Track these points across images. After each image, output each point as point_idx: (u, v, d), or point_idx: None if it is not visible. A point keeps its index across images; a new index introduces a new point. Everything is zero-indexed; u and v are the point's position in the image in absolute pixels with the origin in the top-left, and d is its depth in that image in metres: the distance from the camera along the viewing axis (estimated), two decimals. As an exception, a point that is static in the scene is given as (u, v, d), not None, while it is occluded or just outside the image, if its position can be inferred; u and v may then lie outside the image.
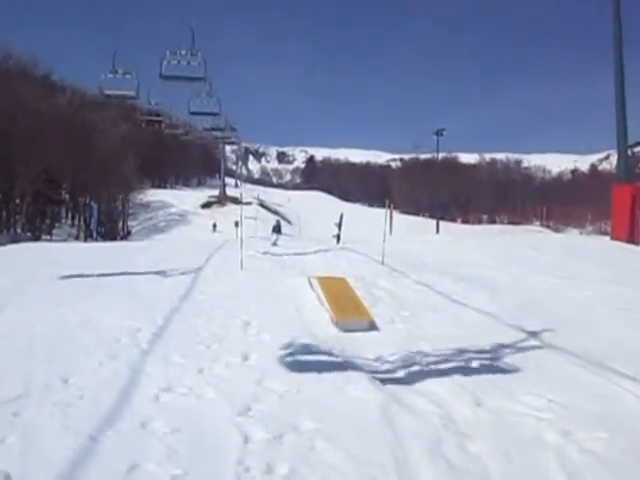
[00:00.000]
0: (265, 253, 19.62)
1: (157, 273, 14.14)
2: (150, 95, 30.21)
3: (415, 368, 6.67)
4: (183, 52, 20.98)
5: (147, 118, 38.01)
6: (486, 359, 7.01)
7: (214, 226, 65.45)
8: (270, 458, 4.19)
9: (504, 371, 6.52)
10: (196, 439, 4.50)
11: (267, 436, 4.58)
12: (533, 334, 8.27)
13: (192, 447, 4.35)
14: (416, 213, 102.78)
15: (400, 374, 6.44)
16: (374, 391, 5.70)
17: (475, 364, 6.79)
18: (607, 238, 24.74)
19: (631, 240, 21.94)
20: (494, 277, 14.15)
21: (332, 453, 4.31)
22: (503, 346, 7.65)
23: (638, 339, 8.08)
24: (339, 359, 6.96)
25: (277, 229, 25.81)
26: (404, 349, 7.41)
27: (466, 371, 6.47)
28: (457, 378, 6.19)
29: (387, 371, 6.57)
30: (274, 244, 23.81)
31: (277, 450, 4.35)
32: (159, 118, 38.66)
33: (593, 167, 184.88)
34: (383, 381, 6.10)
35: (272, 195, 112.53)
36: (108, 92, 23.84)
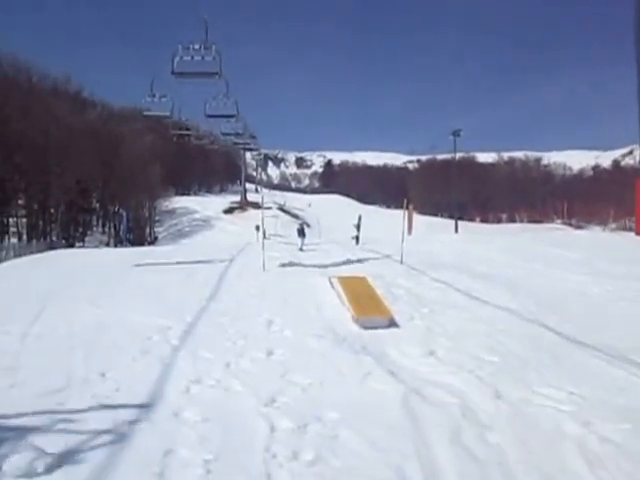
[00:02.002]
0: (286, 258, 19.16)
1: (185, 275, 14.33)
2: (181, 112, 30.39)
3: (434, 362, 6.75)
4: (196, 47, 19.50)
5: (178, 132, 39.68)
6: (505, 354, 7.06)
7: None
8: (295, 445, 4.31)
9: (524, 365, 6.54)
10: (225, 428, 4.63)
11: (292, 425, 4.70)
12: (553, 329, 8.29)
13: (222, 435, 4.48)
14: (435, 214, 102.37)
15: (420, 368, 6.51)
16: (394, 384, 5.81)
17: (494, 358, 6.84)
18: (632, 234, 24.57)
19: (655, 236, 21.80)
20: (514, 274, 14.16)
21: (355, 441, 4.41)
22: (522, 341, 7.69)
23: (658, 333, 8.07)
24: (360, 354, 7.06)
25: (301, 233, 24.47)
26: (423, 344, 7.48)
27: (485, 365, 6.53)
28: (477, 371, 6.26)
29: (407, 365, 6.65)
30: (300, 249, 22.48)
31: (302, 438, 4.46)
32: (189, 132, 40.50)
33: (616, 163, 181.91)
34: (403, 375, 6.20)
35: (291, 199, 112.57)
36: (147, 114, 25.90)
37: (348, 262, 17.03)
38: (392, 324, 8.84)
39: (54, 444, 4.16)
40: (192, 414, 4.94)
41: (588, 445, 4.31)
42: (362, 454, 4.18)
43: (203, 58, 19.55)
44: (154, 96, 24.11)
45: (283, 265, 16.13)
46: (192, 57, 19.55)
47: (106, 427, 4.56)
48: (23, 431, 4.46)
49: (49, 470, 3.81)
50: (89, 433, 4.47)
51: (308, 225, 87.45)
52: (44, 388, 5.52)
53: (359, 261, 17.42)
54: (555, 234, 27.46)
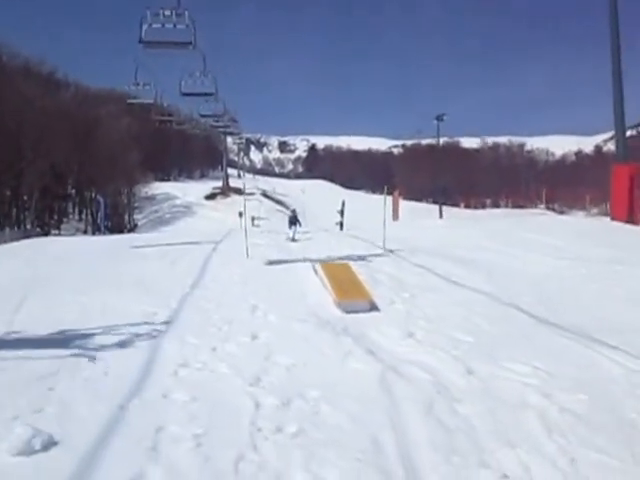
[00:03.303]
0: (273, 249, 18.74)
1: (169, 263, 14.63)
2: (163, 97, 30.35)
3: (412, 343, 7.17)
4: (167, 13, 18.07)
5: (160, 118, 39.82)
6: (479, 334, 7.51)
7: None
8: (279, 420, 4.69)
9: (496, 344, 7.00)
10: (213, 406, 5.00)
11: (276, 402, 5.09)
12: (526, 311, 8.77)
13: (210, 412, 4.85)
14: (419, 199, 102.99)
15: (398, 349, 6.93)
16: (373, 363, 6.24)
17: (469, 338, 7.29)
18: (608, 219, 25.15)
19: (630, 220, 22.35)
20: (494, 259, 14.60)
21: (335, 415, 4.81)
22: (496, 322, 8.16)
23: (625, 313, 8.61)
24: (341, 336, 7.47)
25: (294, 221, 21.48)
26: (403, 327, 7.89)
27: (460, 344, 6.98)
28: (451, 350, 6.70)
29: (386, 346, 7.06)
30: (293, 239, 20.19)
31: (286, 414, 4.85)
32: (171, 118, 40.75)
33: (597, 148, 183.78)
34: (382, 355, 6.61)
35: (275, 185, 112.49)
36: (131, 101, 26.37)
37: (332, 248, 17.39)
38: (373, 308, 9.25)
39: (49, 424, 4.49)
40: (181, 395, 5.30)
41: (548, 414, 4.75)
42: (341, 426, 4.58)
43: (175, 26, 18.16)
44: (138, 84, 24.40)
45: (270, 263, 16.43)
46: (163, 24, 18.14)
47: (98, 407, 4.91)
48: (15, 410, 4.79)
49: (46, 448, 4.14)
50: (81, 412, 4.82)
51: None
52: (31, 375, 5.79)
53: (342, 247, 17.78)
54: (536, 220, 28.00)
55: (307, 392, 5.34)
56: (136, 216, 73.90)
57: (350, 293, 9.77)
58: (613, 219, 23.28)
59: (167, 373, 5.93)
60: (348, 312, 9.00)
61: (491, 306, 9.32)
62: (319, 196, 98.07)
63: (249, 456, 4.05)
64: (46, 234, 47.90)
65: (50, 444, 4.14)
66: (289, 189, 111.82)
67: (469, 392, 5.38)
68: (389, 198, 39.52)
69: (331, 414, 4.84)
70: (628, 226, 21.01)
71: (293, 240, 20.11)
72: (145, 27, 18.12)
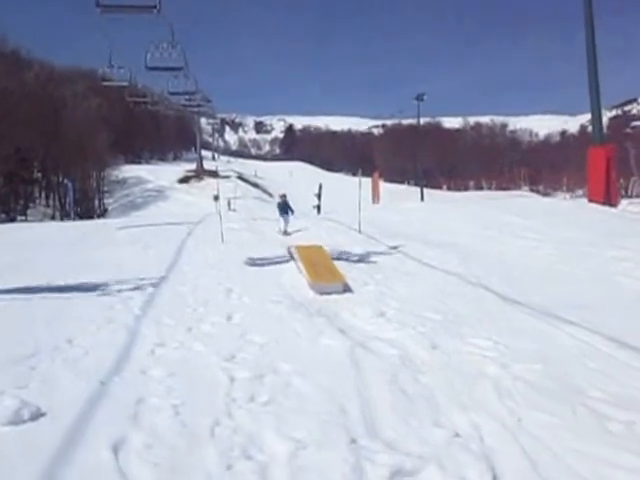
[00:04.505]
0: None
1: (142, 247, 15.08)
2: (137, 78, 30.62)
3: (382, 321, 7.73)
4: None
5: (134, 99, 40.05)
6: (447, 313, 8.10)
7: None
8: (253, 391, 5.20)
9: (461, 321, 7.59)
10: (189, 380, 5.50)
11: (250, 376, 5.60)
12: (494, 291, 9.41)
13: (187, 386, 5.35)
14: (400, 181, 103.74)
15: (369, 327, 7.48)
16: (343, 340, 6.78)
17: (437, 316, 7.87)
18: (585, 200, 25.89)
19: (607, 202, 23.07)
20: (470, 242, 15.22)
21: (305, 386, 5.34)
22: (464, 302, 8.77)
23: (587, 292, 9.28)
24: (314, 316, 8.02)
25: (285, 208, 18.88)
26: (374, 307, 8.45)
27: (427, 322, 7.55)
28: (419, 328, 7.28)
29: (357, 325, 7.62)
30: (285, 232, 18.10)
31: (259, 386, 5.36)
32: (145, 99, 40.96)
33: (583, 128, 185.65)
34: (353, 333, 7.16)
35: (251, 167, 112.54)
36: (106, 83, 27.19)
37: (308, 232, 17.91)
38: (346, 290, 9.81)
39: (35, 398, 4.95)
40: (159, 371, 5.77)
41: (502, 383, 5.32)
42: (310, 396, 5.10)
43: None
44: (112, 66, 25.08)
45: (242, 236, 16.88)
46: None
47: (78, 385, 5.37)
48: (3, 386, 5.24)
49: (34, 418, 4.59)
50: (64, 388, 5.29)
51: (270, 194, 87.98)
52: (15, 355, 6.21)
53: (319, 231, 18.31)
54: (515, 202, 28.67)
55: (280, 367, 5.86)
56: (106, 201, 73.54)
57: (324, 275, 10.30)
58: (590, 201, 23.97)
59: (145, 352, 6.40)
60: (322, 294, 9.54)
61: (461, 287, 9.93)
62: (297, 179, 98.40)
63: (224, 422, 4.55)
64: (12, 220, 47.85)
65: (38, 415, 4.59)
66: (266, 171, 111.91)
67: (432, 364, 5.94)
68: (369, 180, 40.23)
69: (301, 385, 5.36)
70: (604, 208, 21.72)
71: (285, 233, 17.90)
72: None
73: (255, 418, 4.63)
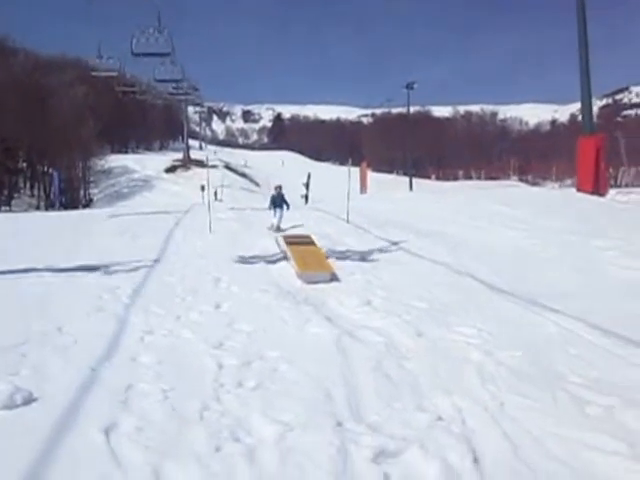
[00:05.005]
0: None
1: (130, 237, 15.18)
2: (125, 67, 30.60)
3: (369, 310, 7.89)
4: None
5: (123, 89, 40.13)
6: (433, 301, 8.28)
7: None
8: (241, 377, 5.35)
9: (447, 310, 7.78)
10: (178, 367, 5.64)
11: (238, 363, 5.74)
12: (480, 280, 9.59)
13: (176, 372, 5.48)
14: (389, 171, 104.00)
15: (355, 316, 7.65)
16: (330, 328, 6.95)
17: (423, 305, 8.05)
18: (573, 190, 26.12)
19: (595, 191, 23.30)
20: (458, 232, 15.39)
21: (292, 372, 5.49)
22: (450, 290, 8.95)
23: (571, 281, 9.49)
24: (302, 305, 8.18)
25: (279, 202, 17.25)
26: (361, 296, 8.61)
27: (413, 311, 7.73)
28: (405, 316, 7.45)
29: (344, 313, 7.78)
30: (278, 229, 16.43)
31: (246, 372, 5.51)
32: (134, 88, 40.97)
33: (573, 117, 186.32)
34: (340, 321, 7.32)
35: (238, 157, 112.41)
36: (95, 74, 27.11)
37: (296, 222, 18.03)
38: (334, 279, 9.96)
39: (27, 384, 5.08)
40: (148, 358, 5.91)
41: (485, 368, 5.49)
42: (297, 381, 5.26)
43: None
44: (101, 57, 25.33)
45: (230, 226, 17.00)
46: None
47: (69, 371, 5.50)
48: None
49: (27, 402, 4.73)
50: (55, 374, 5.42)
51: (257, 184, 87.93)
52: (6, 342, 6.32)
53: (307, 220, 18.43)
54: (504, 192, 28.94)
55: (267, 354, 6.01)
56: (92, 191, 73.20)
57: (311, 264, 10.45)
58: (579, 190, 24.19)
59: (134, 340, 6.53)
60: (309, 283, 9.69)
61: (448, 276, 10.11)
62: (285, 168, 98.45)
63: (213, 406, 4.69)
64: (-5, 210, 47.64)
65: (30, 400, 4.73)
66: (254, 161, 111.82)
67: (417, 351, 6.10)
68: (357, 170, 40.38)
69: (288, 371, 5.51)
70: (592, 197, 21.95)
71: (278, 230, 16.26)
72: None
73: (243, 402, 4.78)
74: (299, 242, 12.42)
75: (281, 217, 16.93)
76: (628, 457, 3.85)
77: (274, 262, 11.54)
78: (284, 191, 17.84)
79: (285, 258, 11.69)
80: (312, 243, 12.41)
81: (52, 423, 4.31)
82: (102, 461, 3.79)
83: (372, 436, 4.15)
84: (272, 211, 17.10)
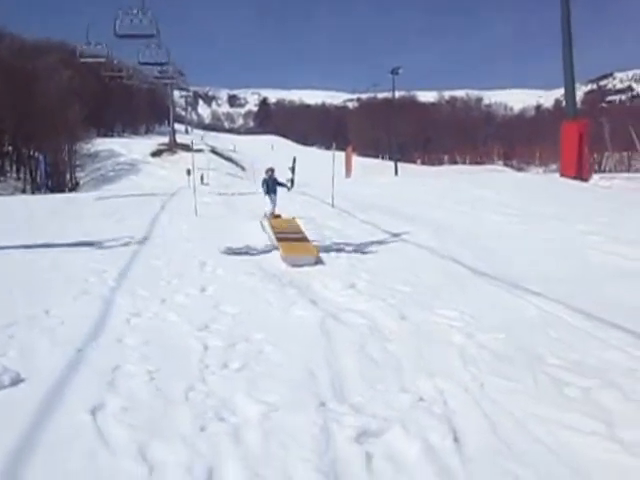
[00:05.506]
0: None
1: (116, 220, 15.14)
2: (112, 52, 30.36)
3: (353, 293, 7.93)
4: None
5: (110, 74, 40.04)
6: (417, 285, 8.32)
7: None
8: (226, 359, 5.38)
9: (431, 293, 7.82)
10: (164, 348, 5.66)
11: (223, 344, 5.77)
12: (464, 264, 9.65)
13: (161, 353, 5.50)
14: (375, 155, 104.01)
15: (340, 299, 7.67)
16: (315, 310, 6.97)
17: (407, 288, 8.09)
18: (557, 175, 26.25)
19: (578, 176, 23.45)
20: (442, 216, 15.46)
21: (276, 354, 5.52)
22: (434, 274, 9.00)
23: (553, 264, 9.58)
24: (286, 287, 8.20)
25: (273, 186, 15.85)
26: (345, 279, 8.64)
27: (397, 294, 7.76)
28: (389, 299, 7.48)
29: (328, 296, 7.81)
30: (272, 214, 15.03)
31: (231, 353, 5.53)
32: (121, 74, 40.85)
33: (558, 103, 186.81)
34: (324, 304, 7.35)
35: (223, 141, 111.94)
36: (84, 60, 27.10)
37: (281, 206, 18.02)
38: (318, 262, 9.99)
39: (15, 365, 5.09)
40: (134, 340, 5.92)
41: (467, 350, 5.54)
42: (282, 363, 5.29)
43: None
44: (90, 43, 25.36)
45: (216, 209, 16.98)
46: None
47: (56, 353, 5.50)
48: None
49: (15, 383, 4.74)
50: (43, 355, 5.43)
51: (242, 168, 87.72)
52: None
53: (292, 204, 18.44)
54: (488, 177, 29.04)
55: (252, 335, 6.03)
56: (78, 174, 72.81)
57: (296, 248, 10.47)
58: (562, 175, 24.34)
59: (120, 321, 6.54)
60: (294, 266, 9.71)
61: (432, 260, 10.16)
62: (270, 152, 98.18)
63: (198, 387, 4.72)
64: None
65: (18, 380, 4.74)
66: (240, 145, 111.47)
67: (400, 334, 6.14)
68: (342, 155, 40.33)
69: (273, 352, 5.55)
70: (575, 182, 22.09)
71: (272, 214, 14.95)
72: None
73: (228, 383, 4.81)
74: (284, 225, 12.45)
75: (275, 203, 15.57)
76: (606, 437, 3.91)
77: (259, 245, 11.54)
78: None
79: (270, 242, 11.70)
80: (297, 227, 12.43)
81: (39, 403, 4.33)
82: (89, 440, 3.82)
83: (355, 416, 4.19)
84: (267, 197, 15.61)
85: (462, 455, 3.76)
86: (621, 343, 5.65)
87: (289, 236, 11.22)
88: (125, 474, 3.47)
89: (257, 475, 3.47)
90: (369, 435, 3.96)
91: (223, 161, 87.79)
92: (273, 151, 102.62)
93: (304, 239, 11.19)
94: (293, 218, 13.39)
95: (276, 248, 10.89)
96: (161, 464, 3.57)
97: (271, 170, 16.23)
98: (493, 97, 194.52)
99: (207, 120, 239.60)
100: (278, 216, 14.06)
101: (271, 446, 3.79)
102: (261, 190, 15.90)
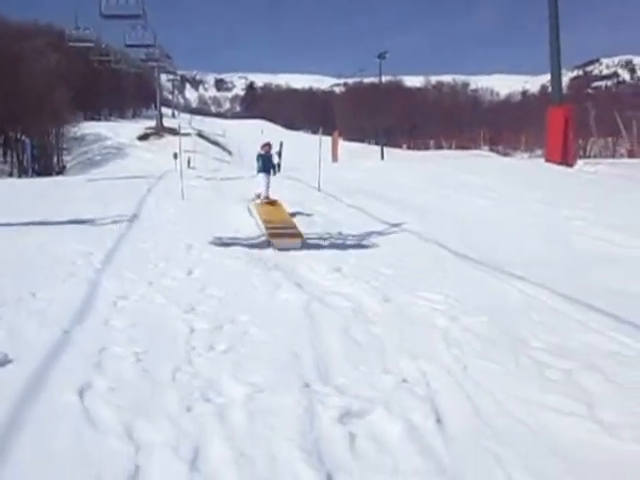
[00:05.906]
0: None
1: (103, 204, 15.07)
2: (101, 37, 30.14)
3: (338, 276, 7.96)
4: None
5: (99, 58, 39.79)
6: (401, 268, 8.38)
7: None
8: (212, 340, 5.40)
9: (415, 276, 7.87)
10: (151, 330, 5.67)
11: (209, 327, 5.79)
12: (448, 247, 9.72)
13: (148, 335, 5.52)
14: (361, 140, 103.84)
15: (325, 282, 7.71)
16: (300, 293, 7.01)
17: (391, 272, 8.14)
18: (542, 160, 26.33)
19: (564, 162, 23.52)
20: (426, 200, 15.51)
21: (261, 335, 5.56)
22: (419, 258, 9.06)
23: (536, 249, 9.66)
24: (272, 271, 8.22)
25: (267, 165, 14.04)
26: (331, 263, 8.67)
27: (381, 277, 7.82)
28: (373, 282, 7.53)
29: (314, 279, 7.85)
30: (267, 199, 13.49)
31: (217, 335, 5.56)
32: (109, 57, 40.60)
33: (544, 88, 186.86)
34: (309, 287, 7.39)
35: (209, 124, 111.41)
36: (72, 44, 27.05)
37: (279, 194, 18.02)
38: (304, 246, 10.01)
39: (2, 346, 5.07)
40: (121, 322, 5.93)
41: (450, 333, 5.59)
42: (267, 344, 5.32)
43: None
44: (78, 28, 25.34)
45: (203, 193, 16.93)
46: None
47: (43, 334, 5.50)
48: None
49: (2, 364, 4.72)
50: (30, 337, 5.44)
51: (229, 152, 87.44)
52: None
53: (279, 188, 18.39)
54: (473, 162, 29.09)
55: (237, 317, 6.06)
56: (65, 158, 72.39)
57: (283, 232, 10.48)
58: (547, 161, 24.40)
59: (107, 304, 6.54)
60: (280, 250, 9.73)
61: (417, 244, 10.22)
62: (257, 137, 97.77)
63: (184, 368, 4.74)
64: (-32, 176, 46.93)
65: (6, 361, 4.74)
66: (227, 129, 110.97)
67: (383, 316, 6.19)
68: (328, 139, 40.23)
69: (258, 334, 5.58)
70: (561, 167, 22.17)
71: (267, 199, 13.47)
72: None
73: (214, 365, 4.83)
74: (270, 209, 12.45)
75: (269, 184, 13.75)
76: (587, 418, 3.95)
77: (246, 228, 11.53)
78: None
79: (256, 224, 11.70)
80: (283, 210, 12.44)
81: (27, 384, 4.34)
82: (75, 420, 3.83)
83: (339, 397, 4.22)
84: (260, 176, 13.82)
85: (444, 435, 3.80)
86: (602, 327, 5.71)
87: (275, 220, 11.22)
88: (112, 453, 3.49)
89: (242, 454, 3.50)
90: (352, 415, 3.99)
91: (210, 145, 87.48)
92: (262, 135, 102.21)
93: (290, 223, 11.19)
94: (279, 201, 13.37)
95: (262, 232, 10.90)
96: (147, 444, 3.59)
97: (268, 145, 14.43)
98: (480, 82, 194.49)
99: (194, 104, 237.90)
100: (274, 201, 13.20)
101: (256, 426, 3.82)
102: (255, 166, 14.19)
